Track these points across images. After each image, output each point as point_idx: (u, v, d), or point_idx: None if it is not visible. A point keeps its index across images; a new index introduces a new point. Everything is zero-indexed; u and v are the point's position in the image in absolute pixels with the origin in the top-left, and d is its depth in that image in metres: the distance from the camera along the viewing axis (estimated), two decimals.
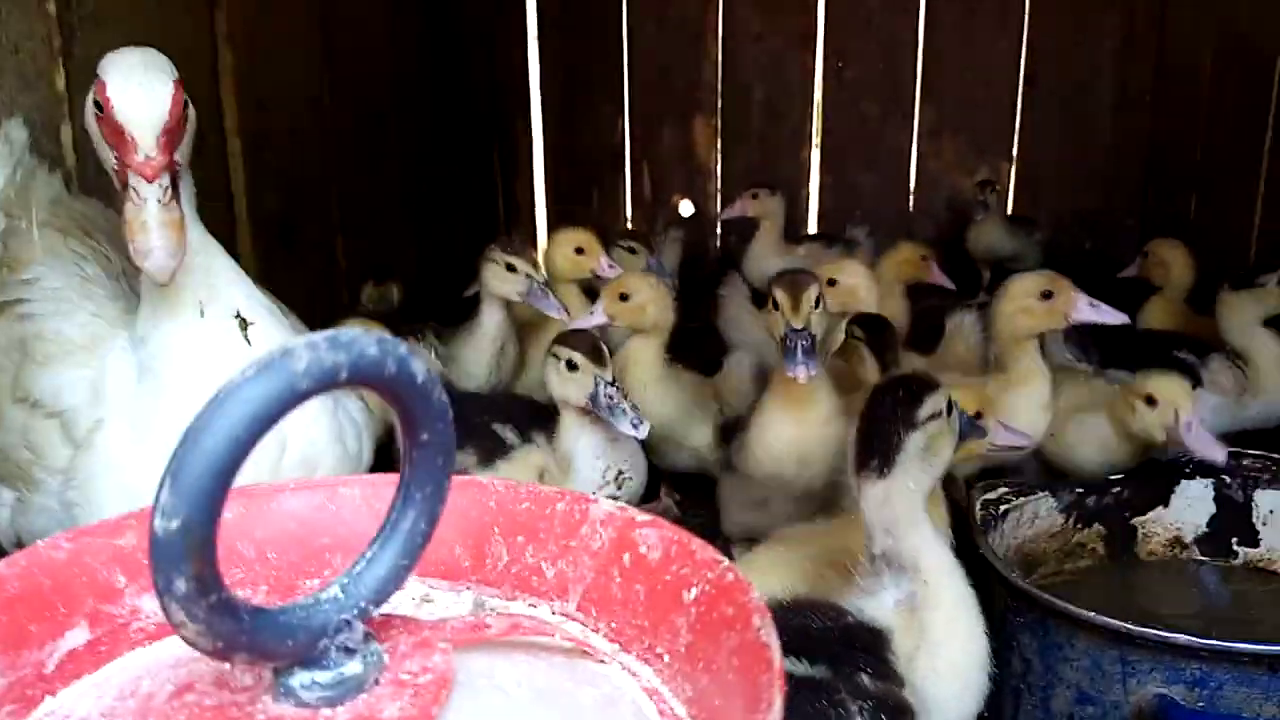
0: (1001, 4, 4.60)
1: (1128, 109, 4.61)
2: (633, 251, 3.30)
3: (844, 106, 4.78)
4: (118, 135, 1.35)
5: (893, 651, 1.37)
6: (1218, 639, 1.50)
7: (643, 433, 2.03)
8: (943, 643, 1.39)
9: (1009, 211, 4.64)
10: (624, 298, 2.55)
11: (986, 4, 4.61)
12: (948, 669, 1.40)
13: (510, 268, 2.58)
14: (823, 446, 2.10)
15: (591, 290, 2.88)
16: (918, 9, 4.62)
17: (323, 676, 0.68)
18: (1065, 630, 1.57)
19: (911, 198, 4.86)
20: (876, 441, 1.37)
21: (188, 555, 0.55)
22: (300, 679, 0.67)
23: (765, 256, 3.86)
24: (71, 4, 2.08)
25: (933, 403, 1.41)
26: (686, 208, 4.86)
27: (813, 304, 1.98)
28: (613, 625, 0.87)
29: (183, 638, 0.60)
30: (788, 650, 1.30)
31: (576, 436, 2.13)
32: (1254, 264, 3.65)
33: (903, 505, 1.37)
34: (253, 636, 0.62)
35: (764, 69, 4.73)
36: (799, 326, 1.94)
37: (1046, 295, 2.20)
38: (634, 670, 0.83)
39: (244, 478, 1.04)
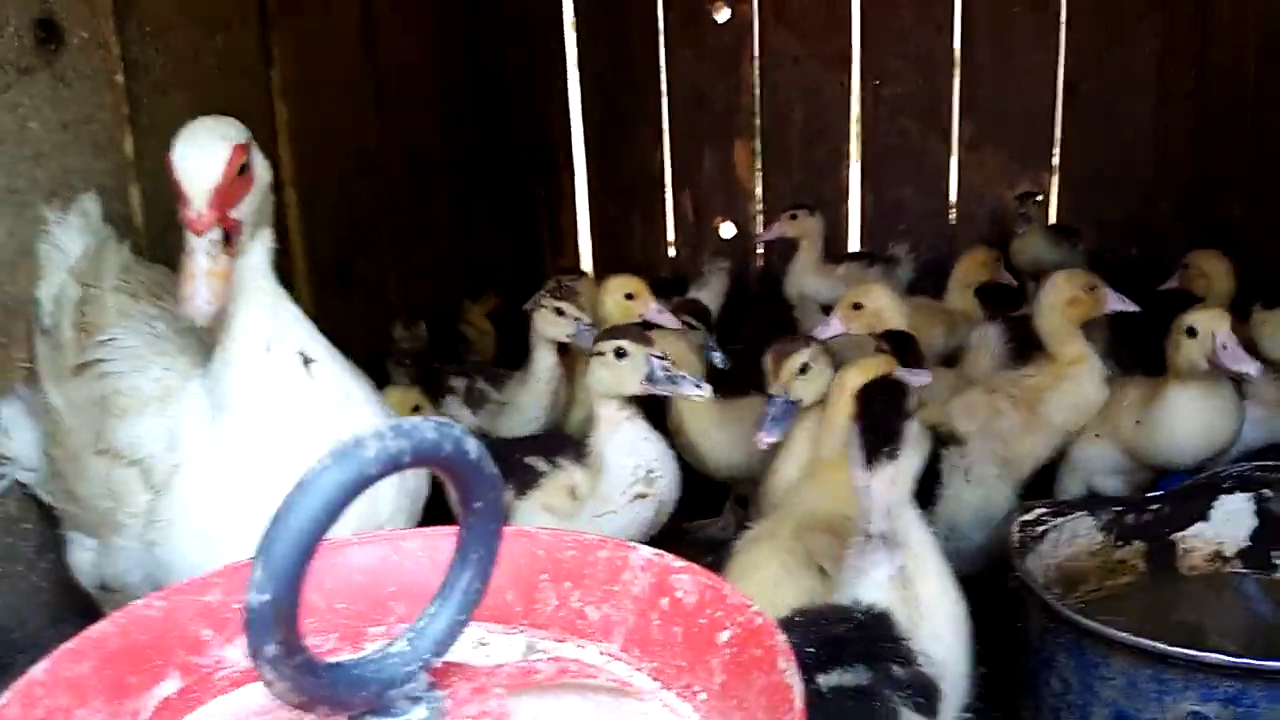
0: (1037, 15, 4.61)
1: (1170, 114, 4.59)
2: (692, 327, 3.06)
3: (883, 123, 4.82)
4: (177, 192, 1.48)
5: (900, 630, 1.49)
6: (1257, 655, 1.53)
7: (707, 391, 2.13)
8: (936, 606, 1.53)
9: (1052, 222, 4.65)
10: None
11: (1023, 16, 4.62)
12: (946, 627, 1.54)
13: (559, 312, 2.69)
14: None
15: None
16: (952, 25, 4.66)
17: None
18: (1100, 650, 1.61)
19: (953, 212, 4.87)
20: (884, 431, 1.51)
21: (276, 624, 0.64)
22: None
23: (805, 276, 3.92)
24: (138, 74, 2.21)
25: (913, 397, 1.61)
26: (728, 229, 4.92)
27: (795, 371, 2.14)
28: (654, 665, 0.95)
29: (273, 693, 0.69)
30: (827, 661, 1.41)
31: (610, 435, 2.18)
32: None
33: (904, 488, 1.53)
34: (332, 690, 0.71)
35: (802, 90, 4.78)
36: (773, 393, 2.13)
37: (1091, 289, 2.63)
38: (674, 707, 0.91)
39: None
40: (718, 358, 2.88)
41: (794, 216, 4.01)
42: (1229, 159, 4.27)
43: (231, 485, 1.62)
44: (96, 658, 0.87)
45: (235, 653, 0.95)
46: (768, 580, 1.78)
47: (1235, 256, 4.07)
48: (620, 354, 2.15)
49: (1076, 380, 2.56)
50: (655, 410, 2.52)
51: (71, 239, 1.94)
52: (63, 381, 1.83)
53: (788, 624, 1.45)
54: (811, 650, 1.41)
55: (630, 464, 2.18)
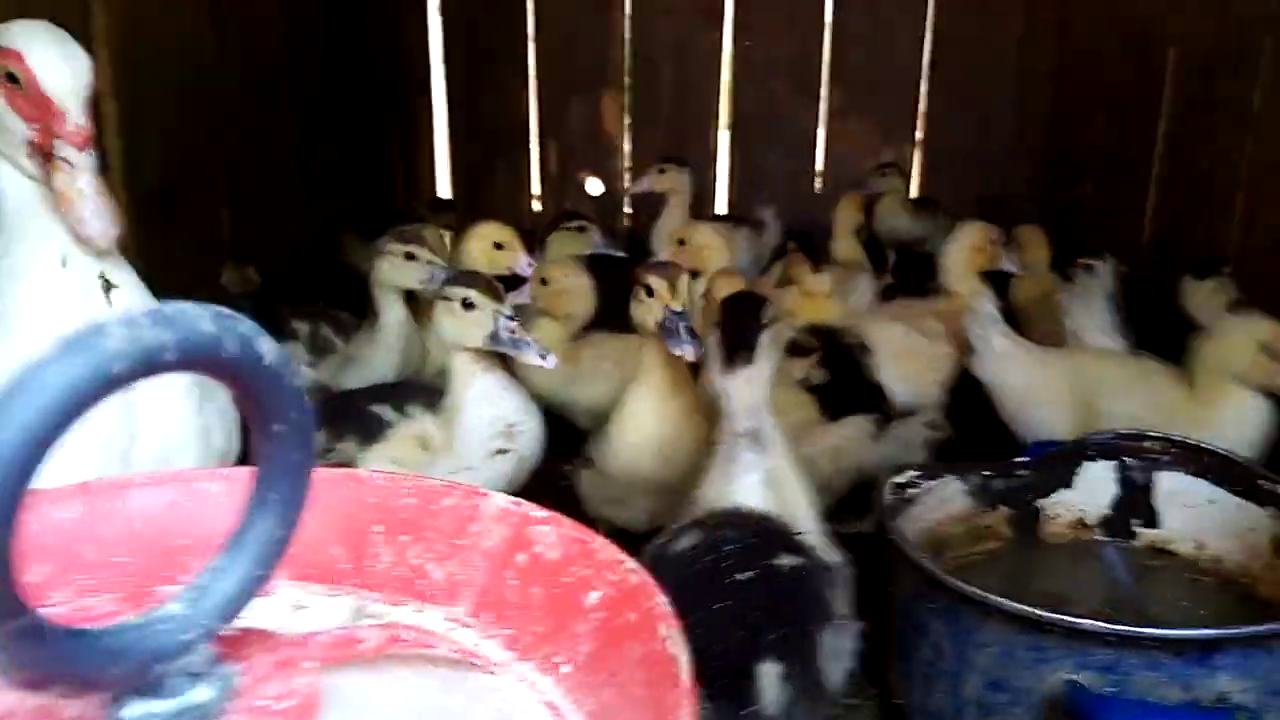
0: None
1: (1030, 95, 4.67)
2: (582, 230, 3.22)
3: (752, 85, 4.75)
4: (43, 106, 1.34)
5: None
6: (1124, 623, 1.49)
7: (550, 363, 2.02)
8: (798, 510, 1.63)
9: (914, 194, 4.67)
10: (544, 282, 2.67)
11: None
12: (809, 523, 1.64)
13: (410, 256, 2.48)
14: (685, 441, 2.08)
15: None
16: None
17: (161, 706, 0.58)
18: (976, 616, 1.55)
19: (818, 179, 4.85)
20: (742, 337, 1.63)
21: None
22: (134, 710, 0.58)
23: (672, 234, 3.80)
24: None
25: (770, 309, 1.71)
26: (595, 185, 4.77)
27: (687, 287, 2.07)
28: (508, 632, 0.79)
29: None
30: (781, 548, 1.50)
31: (466, 384, 2.03)
32: (1150, 248, 3.73)
33: (760, 391, 1.63)
34: (68, 665, 0.52)
35: (673, 46, 4.67)
36: (679, 309, 2.01)
37: (993, 243, 2.94)
38: (532, 681, 0.76)
39: (87, 471, 0.94)
40: (608, 246, 3.02)
41: (663, 171, 3.88)
42: (1083, 141, 4.36)
43: None
44: None
45: None
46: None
47: (1087, 237, 4.19)
48: (467, 305, 1.99)
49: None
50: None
51: None
52: None
53: (705, 523, 1.55)
54: (739, 545, 1.49)
55: (489, 415, 2.02)
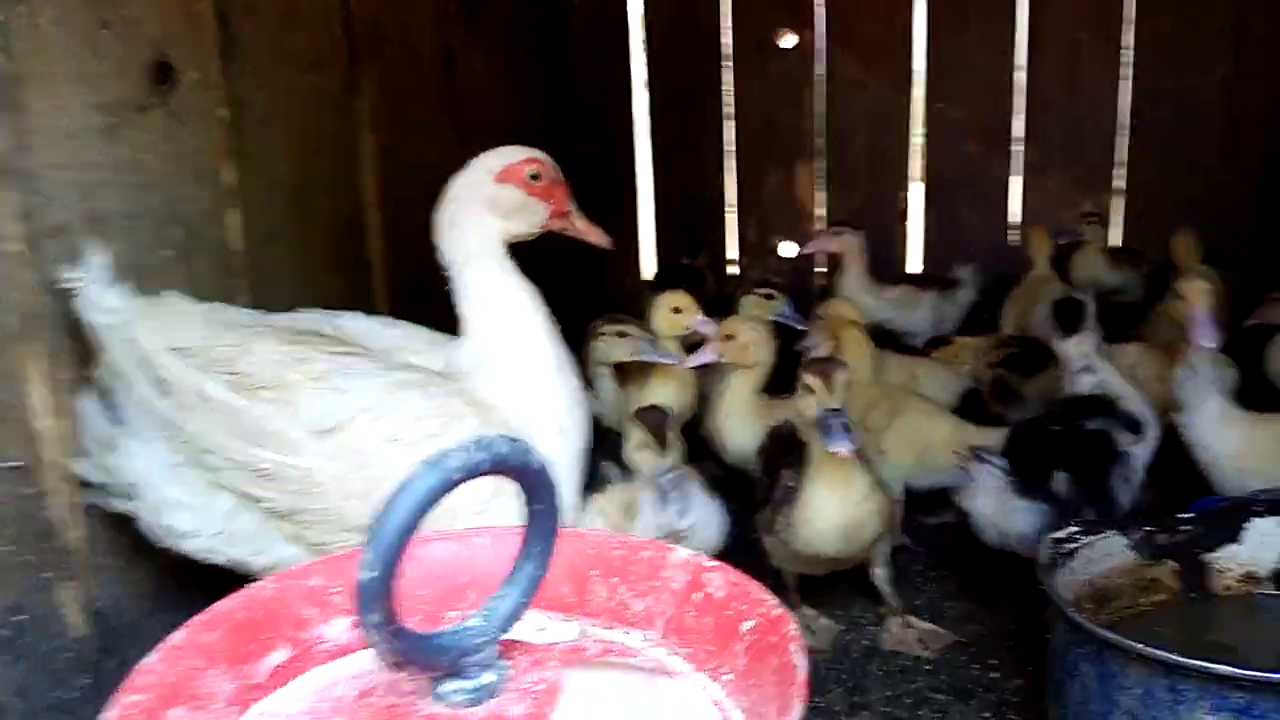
0: (1102, 43, 4.65)
1: (1237, 140, 4.59)
2: (770, 297, 3.47)
3: (947, 146, 4.90)
4: (557, 187, 2.09)
5: None
6: (1255, 668, 1.61)
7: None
8: None
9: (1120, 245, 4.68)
10: (730, 338, 2.96)
11: (1088, 43, 4.67)
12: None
13: (621, 334, 2.88)
14: (868, 521, 2.27)
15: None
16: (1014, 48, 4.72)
17: (465, 685, 0.93)
18: (1119, 660, 1.72)
19: (1013, 234, 4.92)
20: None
21: (380, 597, 0.80)
22: (449, 686, 0.93)
23: (852, 293, 3.99)
24: (240, 110, 2.41)
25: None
26: (787, 249, 5.04)
27: (844, 385, 2.18)
28: (688, 650, 1.10)
29: (375, 653, 0.85)
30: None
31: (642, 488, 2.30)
32: None
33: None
34: (420, 654, 0.87)
35: (866, 115, 4.87)
36: (836, 406, 2.14)
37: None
38: (704, 687, 1.06)
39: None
40: (790, 318, 3.19)
41: (838, 234, 4.13)
42: None
43: None
44: (223, 628, 1.05)
45: (333, 630, 1.12)
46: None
47: None
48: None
49: None
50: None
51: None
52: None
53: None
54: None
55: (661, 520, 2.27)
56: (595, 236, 2.16)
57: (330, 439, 1.77)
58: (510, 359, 1.98)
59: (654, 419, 2.36)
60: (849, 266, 4.09)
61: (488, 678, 0.93)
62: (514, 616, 0.94)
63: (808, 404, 2.20)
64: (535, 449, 0.88)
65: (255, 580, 1.16)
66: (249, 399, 1.78)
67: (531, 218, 2.08)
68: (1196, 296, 2.63)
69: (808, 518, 2.26)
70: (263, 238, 2.50)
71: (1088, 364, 2.62)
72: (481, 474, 0.82)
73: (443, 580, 1.20)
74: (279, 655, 1.10)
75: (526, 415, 1.93)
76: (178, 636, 1.02)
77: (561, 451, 1.96)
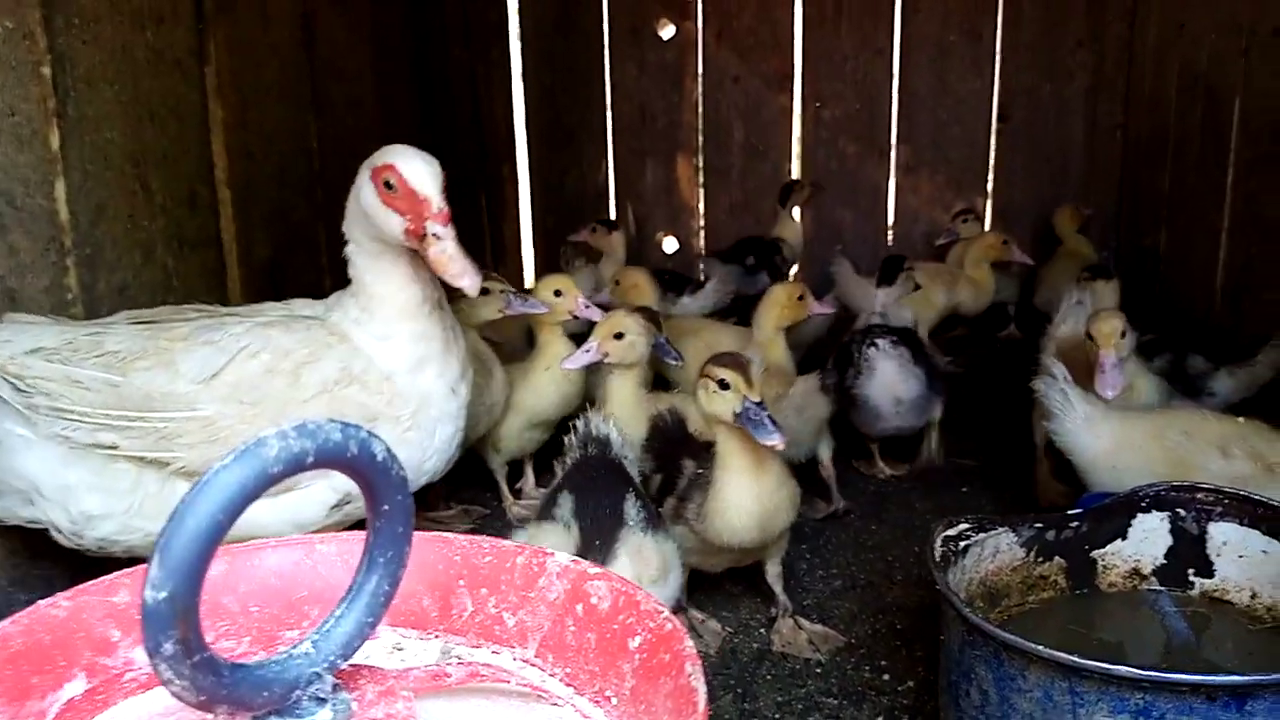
0: (974, 45, 4.73)
1: (1099, 145, 4.74)
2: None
3: (822, 145, 4.90)
4: (413, 201, 1.80)
5: None
6: (1167, 669, 1.57)
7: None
8: None
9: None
10: (618, 336, 2.71)
11: (958, 44, 4.74)
12: None
13: (483, 291, 2.70)
14: (783, 508, 2.22)
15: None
16: (891, 50, 4.75)
17: None
18: (1018, 663, 1.64)
19: (890, 233, 4.96)
20: None
21: (174, 622, 0.63)
22: None
23: None
24: (66, 67, 2.16)
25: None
26: (670, 244, 4.95)
27: (760, 377, 2.11)
28: (567, 671, 0.95)
29: (171, 692, 0.68)
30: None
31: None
32: (1221, 298, 3.76)
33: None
34: (232, 690, 0.70)
35: (744, 109, 4.85)
36: (758, 399, 2.07)
37: (800, 298, 3.16)
38: (586, 713, 0.91)
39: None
40: (667, 352, 2.93)
41: (594, 230, 4.16)
42: (1153, 190, 4.41)
43: None
44: None
45: (144, 655, 0.93)
46: None
47: (1155, 284, 4.22)
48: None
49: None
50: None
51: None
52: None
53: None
54: None
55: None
56: (453, 272, 1.78)
57: (218, 383, 1.84)
58: (395, 318, 1.98)
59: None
60: (607, 262, 4.12)
61: (323, 715, 0.76)
62: (355, 640, 0.77)
63: (723, 399, 2.10)
64: (378, 438, 0.71)
65: None
66: (127, 372, 1.83)
67: (386, 227, 1.87)
68: (1106, 342, 2.56)
69: (721, 508, 2.18)
70: (94, 210, 2.24)
71: (884, 313, 3.29)
72: (307, 468, 0.65)
73: (278, 595, 1.03)
74: (74, 687, 0.91)
75: (405, 358, 1.96)
76: None
77: (452, 407, 2.02)
